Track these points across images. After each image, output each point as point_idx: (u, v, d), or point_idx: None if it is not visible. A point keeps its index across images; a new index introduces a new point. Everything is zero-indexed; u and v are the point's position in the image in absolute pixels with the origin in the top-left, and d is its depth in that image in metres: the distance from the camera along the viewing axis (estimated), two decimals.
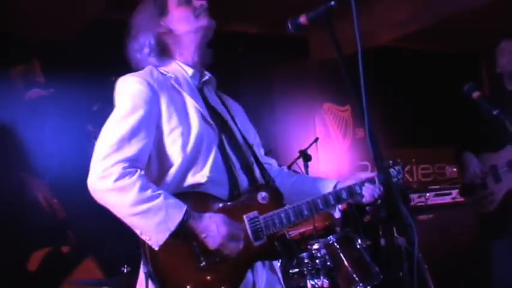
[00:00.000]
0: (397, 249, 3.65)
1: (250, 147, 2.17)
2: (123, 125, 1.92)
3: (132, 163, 1.89)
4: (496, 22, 5.87)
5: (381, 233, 3.75)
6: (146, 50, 2.13)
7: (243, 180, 2.06)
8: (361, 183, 2.20)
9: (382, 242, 3.96)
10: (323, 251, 3.62)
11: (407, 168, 6.69)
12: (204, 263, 1.86)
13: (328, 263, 3.57)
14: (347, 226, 4.12)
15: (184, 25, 2.12)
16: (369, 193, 2.19)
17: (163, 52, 2.15)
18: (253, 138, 2.29)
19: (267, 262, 2.07)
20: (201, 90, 2.15)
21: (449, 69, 6.45)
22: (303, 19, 1.94)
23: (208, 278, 1.87)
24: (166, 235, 1.82)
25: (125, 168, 1.86)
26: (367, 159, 6.37)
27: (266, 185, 2.10)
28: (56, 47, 4.71)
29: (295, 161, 4.57)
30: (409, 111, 6.53)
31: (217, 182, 1.99)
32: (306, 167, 4.46)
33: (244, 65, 5.49)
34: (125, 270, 3.52)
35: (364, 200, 2.23)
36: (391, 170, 2.40)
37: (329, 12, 1.82)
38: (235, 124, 2.18)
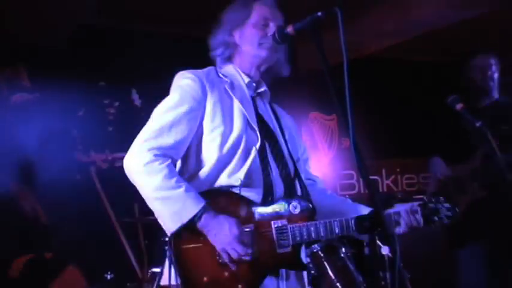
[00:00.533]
0: (380, 258, 3.67)
1: (294, 160, 2.22)
2: (166, 115, 2.04)
3: (166, 152, 1.99)
4: (479, 35, 5.96)
5: (365, 242, 3.77)
6: (218, 51, 2.26)
7: (279, 189, 2.11)
8: (398, 213, 2.17)
9: (366, 250, 3.98)
10: (307, 259, 3.63)
11: (391, 178, 6.74)
12: (221, 260, 1.91)
13: (312, 271, 3.58)
14: None
15: (247, 46, 2.22)
16: (404, 223, 2.16)
17: (230, 56, 2.26)
18: (301, 153, 2.35)
19: (293, 272, 2.09)
20: (253, 99, 2.23)
21: (435, 80, 6.51)
22: (289, 29, 1.98)
23: (226, 274, 1.91)
24: (177, 225, 1.90)
25: (156, 155, 1.97)
26: (353, 169, 6.40)
27: (301, 197, 2.12)
28: (43, 52, 4.70)
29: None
30: (395, 121, 6.58)
31: (252, 186, 2.04)
32: None
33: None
34: (108, 277, 3.50)
35: (399, 229, 2.18)
36: (441, 206, 2.29)
37: (315, 23, 1.86)
38: (283, 136, 2.25)
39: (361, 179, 6.38)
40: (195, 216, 1.90)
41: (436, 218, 2.26)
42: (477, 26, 5.52)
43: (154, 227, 4.03)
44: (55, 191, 4.35)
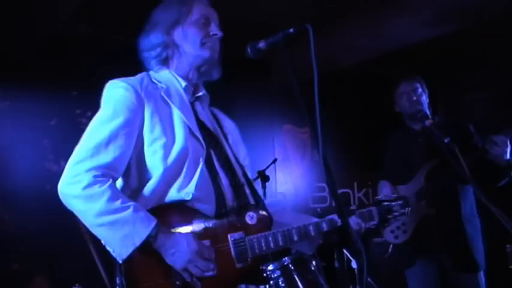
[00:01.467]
0: (350, 271, 3.70)
1: (242, 166, 2.13)
2: (101, 131, 1.89)
3: (106, 171, 1.85)
4: (450, 52, 6.08)
5: (335, 255, 3.80)
6: (152, 53, 2.13)
7: (230, 198, 2.01)
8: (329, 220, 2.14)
9: (337, 264, 4.00)
10: (277, 273, 3.62)
11: (363, 191, 6.80)
12: (178, 282, 1.81)
13: (283, 285, 3.57)
14: None
15: (188, 47, 2.11)
16: (355, 224, 2.16)
17: (165, 59, 2.14)
18: (243, 159, 2.25)
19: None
20: (192, 105, 2.11)
21: None
22: (261, 44, 1.98)
23: None
24: (130, 250, 1.77)
25: (96, 176, 1.83)
26: (325, 181, 6.43)
27: (255, 206, 2.04)
28: (15, 60, 4.64)
29: (253, 182, 4.57)
30: (367, 134, 6.64)
31: (203, 199, 1.94)
32: (264, 187, 4.47)
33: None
34: None
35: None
36: (394, 203, 2.37)
37: (287, 38, 1.87)
38: (227, 142, 2.15)
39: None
40: (148, 236, 1.78)
41: (390, 216, 2.31)
42: (448, 43, 5.64)
43: None
44: (24, 200, 4.29)
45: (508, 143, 3.31)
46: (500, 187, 3.53)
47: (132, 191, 1.95)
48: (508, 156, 3.33)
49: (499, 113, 6.07)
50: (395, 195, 2.42)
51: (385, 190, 3.73)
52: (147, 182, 1.92)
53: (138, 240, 1.78)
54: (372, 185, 6.79)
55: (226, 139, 2.17)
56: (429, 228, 3.45)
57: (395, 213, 2.33)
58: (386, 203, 2.34)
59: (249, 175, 2.17)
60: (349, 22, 5.17)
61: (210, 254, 1.84)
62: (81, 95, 4.79)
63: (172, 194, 1.91)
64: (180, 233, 1.84)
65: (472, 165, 3.19)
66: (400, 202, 2.36)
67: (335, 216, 2.13)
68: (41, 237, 4.24)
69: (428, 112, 3.71)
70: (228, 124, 2.30)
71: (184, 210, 1.90)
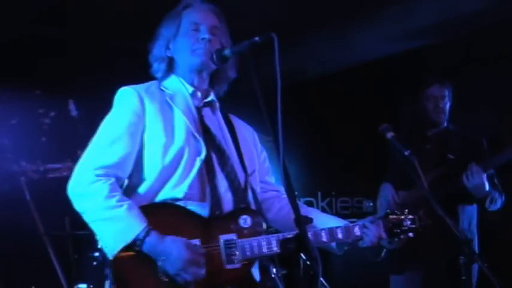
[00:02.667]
0: (310, 279, 3.71)
1: (246, 172, 2.14)
2: (106, 133, 2.01)
3: (109, 171, 1.94)
4: (418, 67, 6.20)
5: (295, 262, 3.83)
6: (155, 66, 2.19)
7: (227, 201, 2.03)
8: (362, 225, 2.15)
9: (297, 271, 4.02)
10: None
11: (326, 200, 6.85)
12: (165, 278, 1.85)
13: None
14: None
15: (181, 56, 2.16)
16: (369, 237, 2.14)
17: (170, 67, 2.19)
18: (261, 163, 2.29)
19: None
20: (199, 109, 2.15)
21: (373, 108, 6.69)
22: (227, 52, 2.00)
23: None
24: (121, 245, 1.84)
25: (98, 175, 1.92)
26: (285, 189, 6.44)
27: (251, 210, 2.05)
28: None
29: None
30: (333, 145, 6.71)
31: (198, 199, 1.98)
32: None
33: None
34: None
35: (362, 243, 2.16)
36: (404, 218, 2.31)
37: (252, 47, 1.89)
38: (237, 147, 2.17)
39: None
40: (138, 236, 1.84)
41: (398, 230, 2.26)
42: (415, 58, 5.75)
43: (85, 241, 3.96)
44: None
45: (483, 175, 3.32)
46: None
47: (131, 189, 2.02)
48: (487, 188, 3.35)
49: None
50: (406, 210, 2.35)
51: (383, 193, 3.72)
52: (145, 179, 2.00)
53: (129, 237, 1.85)
54: (335, 195, 6.86)
55: (237, 145, 2.19)
56: (423, 239, 3.44)
57: (404, 228, 2.29)
58: (394, 217, 2.29)
59: (253, 179, 2.18)
60: (318, 34, 5.24)
61: (201, 260, 1.87)
62: (45, 95, 4.71)
63: (166, 192, 1.98)
64: (171, 239, 1.86)
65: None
66: (411, 217, 2.33)
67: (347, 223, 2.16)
68: None
69: (445, 119, 3.70)
70: (245, 131, 2.33)
71: (175, 210, 1.95)
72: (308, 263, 1.64)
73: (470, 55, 6.01)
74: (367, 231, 2.15)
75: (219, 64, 2.10)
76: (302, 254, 1.64)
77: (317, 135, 6.73)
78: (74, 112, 4.53)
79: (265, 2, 4.58)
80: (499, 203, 3.50)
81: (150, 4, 3.94)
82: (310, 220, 1.70)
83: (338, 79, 6.51)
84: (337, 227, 2.12)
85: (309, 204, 6.68)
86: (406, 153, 2.95)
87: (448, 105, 3.70)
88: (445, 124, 3.73)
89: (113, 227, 1.87)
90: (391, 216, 2.29)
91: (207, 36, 2.12)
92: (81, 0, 4.34)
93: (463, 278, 2.78)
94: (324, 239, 2.08)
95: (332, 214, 6.69)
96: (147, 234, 1.85)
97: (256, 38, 1.87)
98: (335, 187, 6.80)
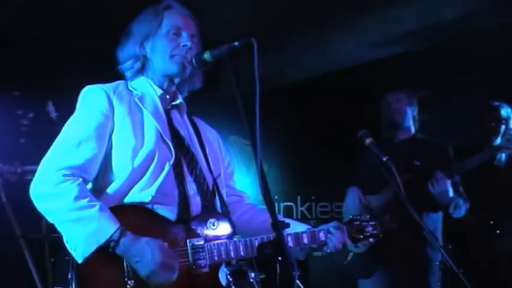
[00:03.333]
0: (287, 284, 3.72)
1: (213, 176, 2.13)
2: (73, 133, 1.95)
3: (76, 172, 1.88)
4: (396, 73, 6.26)
5: (272, 267, 3.82)
6: (127, 65, 2.14)
7: (196, 206, 2.01)
8: (327, 230, 2.17)
9: (275, 276, 4.02)
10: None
11: (306, 205, 6.88)
12: (131, 282, 1.80)
13: None
14: (242, 259, 4.16)
15: (158, 60, 2.12)
16: (333, 243, 2.16)
17: (141, 68, 2.14)
18: (225, 168, 2.26)
19: None
20: (167, 112, 2.13)
21: (353, 113, 6.74)
22: (207, 55, 2.00)
23: None
24: (93, 247, 1.79)
25: (65, 175, 1.87)
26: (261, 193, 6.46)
27: (219, 214, 2.04)
28: None
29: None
30: (312, 150, 6.73)
31: (165, 203, 1.95)
32: None
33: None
34: None
35: (325, 248, 2.19)
36: (367, 224, 2.36)
37: (232, 51, 1.89)
38: (203, 150, 2.15)
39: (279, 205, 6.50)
40: (111, 237, 1.80)
41: (360, 236, 2.30)
42: (394, 65, 5.81)
43: (62, 244, 3.91)
44: None
45: (447, 182, 3.39)
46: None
47: (95, 190, 1.98)
48: (451, 195, 3.42)
49: (440, 136, 6.26)
50: (367, 215, 2.40)
51: (350, 196, 3.77)
52: (113, 181, 1.96)
53: (102, 238, 1.80)
54: (315, 200, 6.89)
55: (204, 148, 2.18)
56: (390, 243, 3.48)
57: (366, 234, 2.34)
58: (357, 223, 2.33)
59: (221, 183, 2.18)
60: (298, 39, 5.26)
61: (175, 264, 1.85)
62: (24, 96, 4.66)
63: (133, 195, 1.94)
64: (146, 240, 1.84)
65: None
66: (373, 223, 2.36)
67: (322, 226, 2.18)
68: None
69: (411, 125, 3.80)
70: (209, 134, 2.31)
71: (142, 211, 1.92)
72: (285, 267, 1.63)
73: (450, 62, 6.10)
74: (332, 237, 2.18)
75: (199, 68, 2.09)
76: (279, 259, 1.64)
77: (297, 139, 6.75)
78: (52, 113, 4.48)
79: (245, 7, 4.60)
80: (463, 210, 3.57)
81: (131, 5, 3.93)
82: (287, 225, 1.71)
83: (318, 84, 6.56)
84: (303, 232, 2.15)
85: (289, 208, 6.71)
86: (384, 159, 2.99)
87: (407, 109, 3.79)
88: (413, 132, 3.83)
89: (84, 228, 1.81)
90: (355, 223, 2.33)
91: (188, 43, 2.10)
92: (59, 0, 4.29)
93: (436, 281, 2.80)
94: (291, 244, 2.11)
95: (312, 219, 6.76)
96: (122, 234, 1.81)
97: (236, 43, 1.87)
98: (315, 192, 6.83)
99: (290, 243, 2.09)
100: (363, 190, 3.78)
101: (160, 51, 2.11)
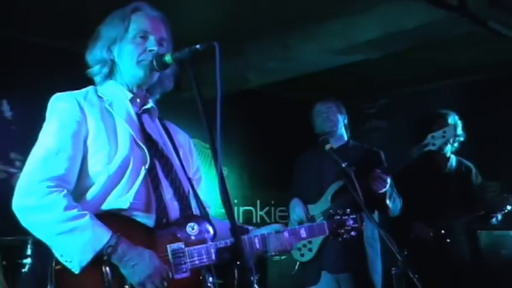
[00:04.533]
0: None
1: (189, 178, 2.11)
2: (50, 144, 1.90)
3: (59, 182, 1.85)
4: (356, 82, 6.36)
5: (231, 272, 3.82)
6: (95, 69, 2.10)
7: (174, 210, 2.00)
8: (265, 235, 2.12)
9: (235, 281, 4.02)
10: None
11: (265, 209, 6.90)
12: None
13: None
14: None
15: (125, 65, 2.08)
16: (275, 246, 2.13)
17: (109, 74, 2.10)
18: (193, 173, 2.24)
19: None
20: (139, 116, 2.09)
21: (309, 118, 6.80)
22: (167, 58, 1.99)
23: None
24: (91, 256, 1.76)
25: (50, 186, 1.83)
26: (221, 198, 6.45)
27: (198, 217, 2.02)
28: None
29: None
30: (272, 154, 6.76)
31: (143, 209, 1.93)
32: None
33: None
34: None
35: (268, 253, 2.15)
36: (347, 217, 2.34)
37: (193, 54, 1.88)
38: (177, 154, 2.13)
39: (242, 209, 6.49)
40: (107, 243, 1.78)
41: (342, 230, 2.29)
42: (355, 72, 5.90)
43: (14, 247, 3.81)
44: None
45: (388, 181, 3.49)
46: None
47: (74, 198, 1.92)
48: (388, 186, 3.52)
49: (396, 143, 6.39)
50: (350, 210, 2.38)
51: (297, 209, 3.81)
52: (88, 189, 1.93)
53: (98, 246, 1.78)
54: (274, 204, 6.91)
55: (177, 152, 2.15)
56: (333, 248, 3.55)
57: (347, 228, 2.33)
58: (338, 217, 2.32)
59: (197, 188, 2.16)
60: (260, 44, 5.28)
61: (167, 273, 1.84)
62: None
63: (110, 203, 1.91)
64: (140, 247, 1.83)
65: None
66: (353, 216, 2.36)
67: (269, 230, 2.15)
68: None
69: (344, 133, 3.89)
70: (181, 137, 2.29)
71: (120, 219, 1.90)
72: (243, 272, 1.63)
73: (408, 71, 6.24)
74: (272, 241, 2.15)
75: (159, 70, 2.06)
76: (237, 264, 1.64)
77: (257, 144, 6.77)
78: (7, 113, 4.37)
79: (207, 11, 4.59)
80: (398, 204, 3.70)
81: (88, 4, 3.87)
82: (246, 230, 1.71)
83: (280, 89, 6.60)
84: (255, 236, 2.12)
85: (248, 213, 6.71)
86: (343, 164, 3.02)
87: (338, 117, 3.91)
88: (346, 139, 3.93)
89: (79, 238, 1.78)
90: (335, 217, 2.33)
91: (155, 48, 2.06)
92: None
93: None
94: (257, 245, 2.10)
95: (271, 223, 6.77)
96: (119, 240, 1.80)
97: (198, 46, 1.86)
98: (274, 196, 6.86)
99: (256, 245, 2.08)
100: (304, 199, 3.85)
101: (127, 56, 2.07)
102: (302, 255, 3.73)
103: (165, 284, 1.82)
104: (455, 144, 4.30)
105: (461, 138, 4.27)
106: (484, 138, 3.77)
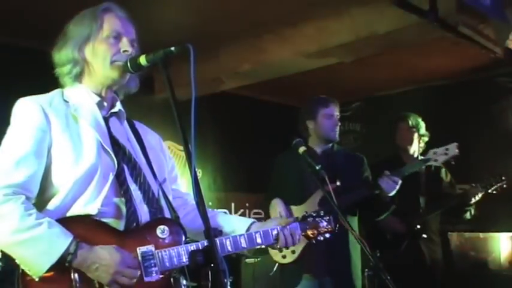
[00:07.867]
0: None
1: (159, 181, 2.09)
2: (12, 151, 1.86)
3: (17, 190, 1.79)
4: (331, 85, 6.41)
5: (204, 275, 3.81)
6: (64, 70, 2.05)
7: (144, 213, 1.97)
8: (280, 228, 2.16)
9: (209, 284, 3.99)
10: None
11: (240, 211, 6.89)
12: None
13: None
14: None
15: (98, 65, 2.04)
16: (282, 240, 2.17)
17: (77, 75, 2.06)
18: (169, 172, 2.21)
19: None
20: (106, 120, 2.05)
21: (287, 121, 6.82)
22: (142, 60, 1.98)
23: None
24: (47, 266, 1.72)
25: (6, 194, 1.79)
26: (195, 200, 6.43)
27: (168, 219, 2.00)
28: None
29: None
30: (247, 157, 6.77)
31: (112, 214, 1.90)
32: None
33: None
34: None
35: (276, 246, 2.19)
36: (320, 220, 2.34)
37: (168, 56, 1.88)
38: (146, 156, 2.10)
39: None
40: (65, 251, 1.74)
41: (316, 233, 2.29)
42: (329, 76, 5.94)
43: None
44: None
45: (398, 184, 3.55)
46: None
47: (38, 206, 1.88)
48: (392, 194, 3.58)
49: (370, 146, 6.46)
50: (321, 211, 2.39)
51: (280, 209, 3.77)
52: (53, 197, 1.89)
53: (55, 257, 1.74)
54: (249, 207, 6.91)
55: (146, 154, 2.12)
56: (316, 250, 3.53)
57: (320, 229, 2.33)
58: (310, 219, 2.31)
59: (166, 188, 2.14)
60: (234, 47, 5.30)
61: (133, 262, 1.83)
62: None
63: (77, 209, 1.88)
64: (100, 246, 1.81)
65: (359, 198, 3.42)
66: (327, 218, 2.35)
67: (273, 224, 2.19)
68: None
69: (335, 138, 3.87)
70: (151, 138, 2.26)
71: (89, 222, 1.87)
72: (216, 275, 1.63)
73: (381, 75, 6.31)
74: (282, 235, 2.19)
75: (133, 72, 2.05)
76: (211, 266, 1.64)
77: (232, 146, 6.77)
78: None
79: (180, 14, 4.58)
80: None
81: (51, 4, 3.81)
82: (220, 232, 1.71)
83: (253, 92, 6.62)
84: (256, 232, 2.16)
85: None
86: (317, 167, 3.03)
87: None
88: (330, 144, 3.93)
89: (34, 248, 1.75)
90: (308, 219, 2.32)
91: (129, 49, 2.05)
92: None
93: None
94: (244, 245, 2.12)
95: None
96: (78, 246, 1.77)
97: (172, 48, 1.85)
98: (248, 199, 6.86)
99: (243, 244, 2.10)
100: (286, 200, 3.82)
101: (100, 56, 2.03)
102: (284, 256, 3.67)
103: (137, 271, 1.81)
104: (421, 145, 4.42)
105: (426, 139, 4.43)
106: (454, 141, 3.83)
